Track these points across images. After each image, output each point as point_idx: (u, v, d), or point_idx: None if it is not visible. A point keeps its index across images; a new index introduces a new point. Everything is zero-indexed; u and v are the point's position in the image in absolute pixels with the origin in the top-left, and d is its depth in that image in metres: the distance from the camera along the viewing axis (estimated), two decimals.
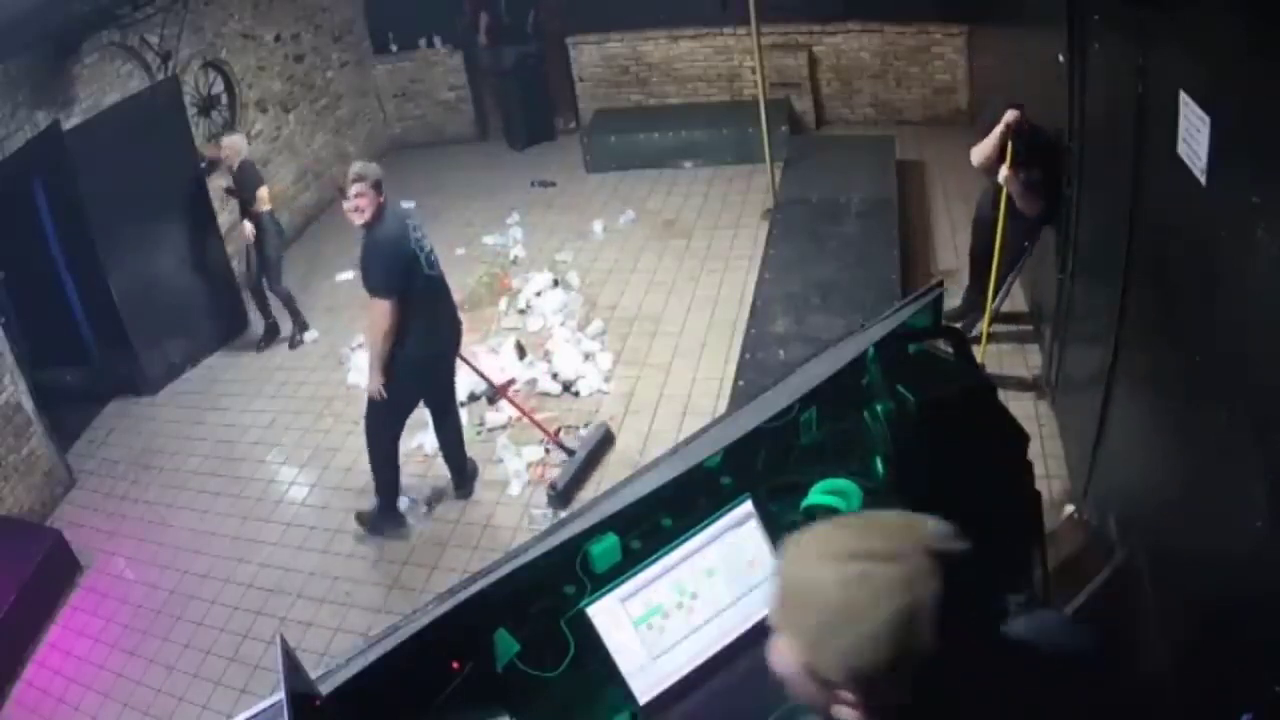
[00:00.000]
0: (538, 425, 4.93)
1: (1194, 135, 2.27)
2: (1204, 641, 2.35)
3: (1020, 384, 4.78)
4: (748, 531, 2.07)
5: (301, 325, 6.43)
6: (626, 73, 9.13)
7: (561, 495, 4.52)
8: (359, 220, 4.08)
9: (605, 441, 4.91)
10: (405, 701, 1.86)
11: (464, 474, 4.75)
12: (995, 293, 4.70)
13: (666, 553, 1.99)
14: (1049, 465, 4.08)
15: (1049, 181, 4.21)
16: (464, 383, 5.49)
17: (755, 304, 5.53)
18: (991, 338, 4.83)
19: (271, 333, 6.41)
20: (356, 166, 4.10)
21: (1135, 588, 2.85)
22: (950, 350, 2.34)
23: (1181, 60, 2.42)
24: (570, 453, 4.77)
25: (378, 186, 4.04)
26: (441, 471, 4.94)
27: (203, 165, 6.57)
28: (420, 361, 4.22)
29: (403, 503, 4.72)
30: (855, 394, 2.38)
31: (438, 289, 4.26)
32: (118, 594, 4.56)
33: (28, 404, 5.21)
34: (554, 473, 4.72)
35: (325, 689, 1.73)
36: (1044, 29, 4.29)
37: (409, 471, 4.96)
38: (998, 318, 4.96)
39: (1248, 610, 2.06)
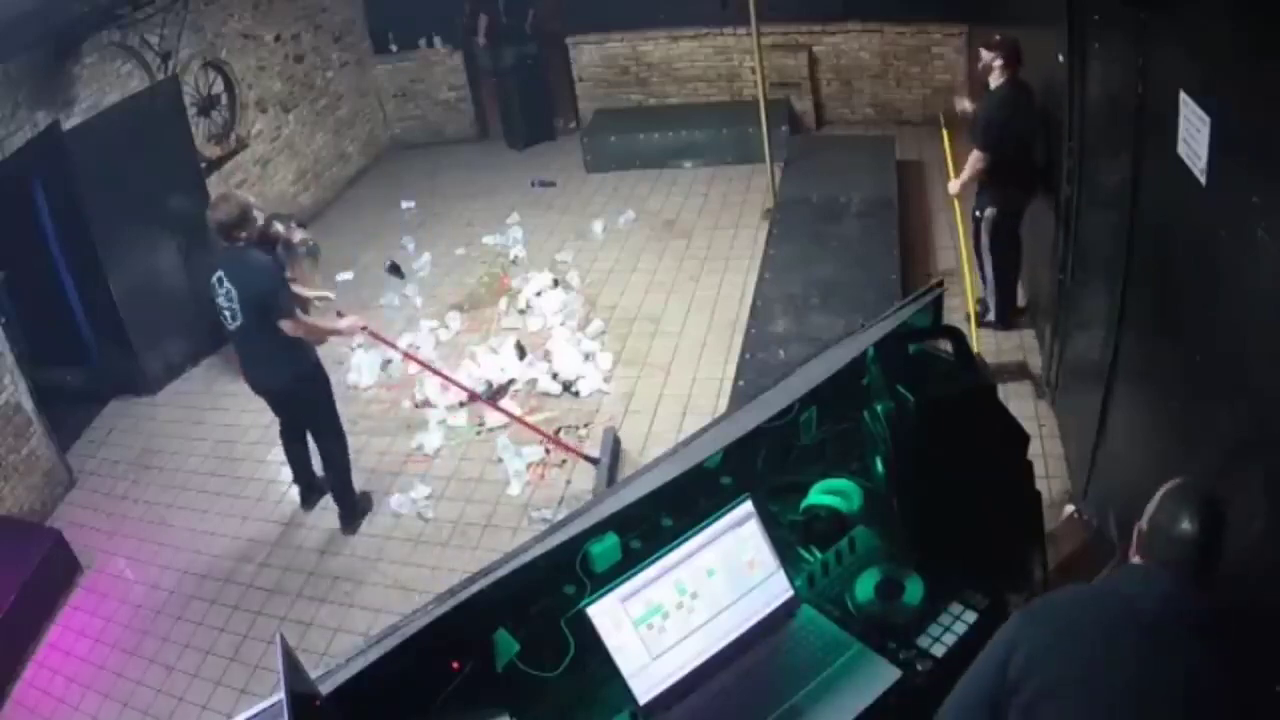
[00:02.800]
0: (534, 428, 4.90)
1: (1194, 135, 2.27)
2: None
3: (1020, 370, 4.83)
4: (748, 531, 2.07)
5: None
6: (626, 73, 9.13)
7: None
8: None
9: (618, 444, 4.89)
10: (405, 701, 1.86)
11: (346, 508, 4.70)
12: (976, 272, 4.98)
13: (666, 553, 1.99)
14: (1049, 465, 4.08)
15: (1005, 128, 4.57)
16: (463, 383, 5.50)
17: (755, 304, 5.53)
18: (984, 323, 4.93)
19: None
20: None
21: None
22: (950, 350, 2.34)
23: (1181, 60, 2.42)
24: (595, 461, 4.73)
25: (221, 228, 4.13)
26: (440, 472, 4.94)
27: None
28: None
29: (397, 501, 4.74)
30: (855, 394, 2.38)
31: (240, 339, 4.35)
32: (118, 594, 4.56)
33: (28, 404, 5.21)
34: (579, 481, 4.69)
35: (325, 689, 1.73)
36: (1044, 29, 4.29)
37: (410, 471, 4.97)
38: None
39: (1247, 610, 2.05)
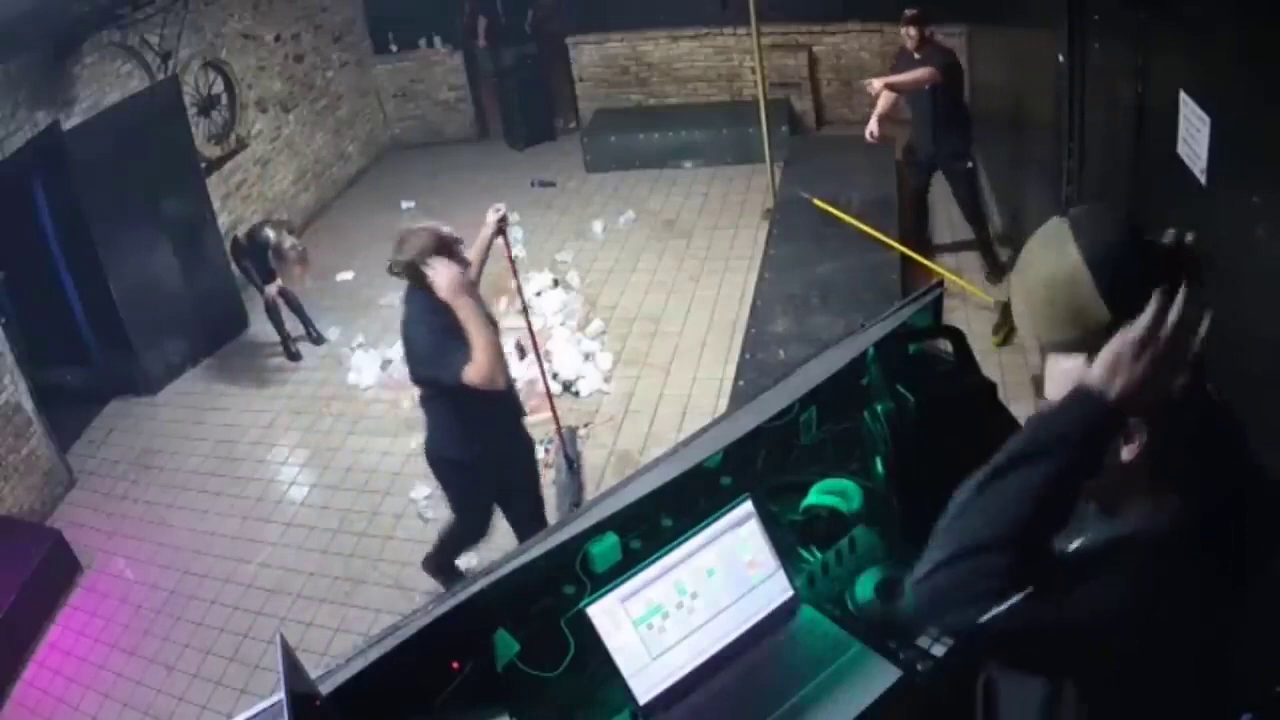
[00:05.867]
0: (555, 416, 4.81)
1: (1194, 135, 2.27)
2: None
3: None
4: (748, 531, 2.07)
5: (317, 339, 6.41)
6: (626, 73, 9.13)
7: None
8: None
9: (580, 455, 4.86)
10: (405, 701, 1.86)
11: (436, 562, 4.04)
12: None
13: (666, 553, 1.99)
14: None
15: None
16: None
17: (755, 304, 5.53)
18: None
19: (297, 357, 6.31)
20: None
21: None
22: (950, 350, 2.34)
23: (1181, 60, 2.42)
24: (571, 462, 4.70)
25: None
26: None
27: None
28: None
29: (397, 501, 4.73)
30: (855, 394, 2.38)
31: None
32: (118, 594, 4.56)
33: (28, 404, 5.21)
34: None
35: (325, 689, 1.73)
36: (1044, 29, 4.30)
37: (410, 472, 4.97)
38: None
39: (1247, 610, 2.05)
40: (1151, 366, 1.09)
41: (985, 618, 1.09)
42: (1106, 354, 1.10)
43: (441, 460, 3.51)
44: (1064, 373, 1.21)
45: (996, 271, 5.76)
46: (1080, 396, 1.11)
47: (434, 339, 3.13)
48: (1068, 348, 1.20)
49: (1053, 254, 1.22)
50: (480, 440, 3.34)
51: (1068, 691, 1.26)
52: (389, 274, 3.25)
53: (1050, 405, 1.16)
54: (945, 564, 1.13)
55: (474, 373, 3.00)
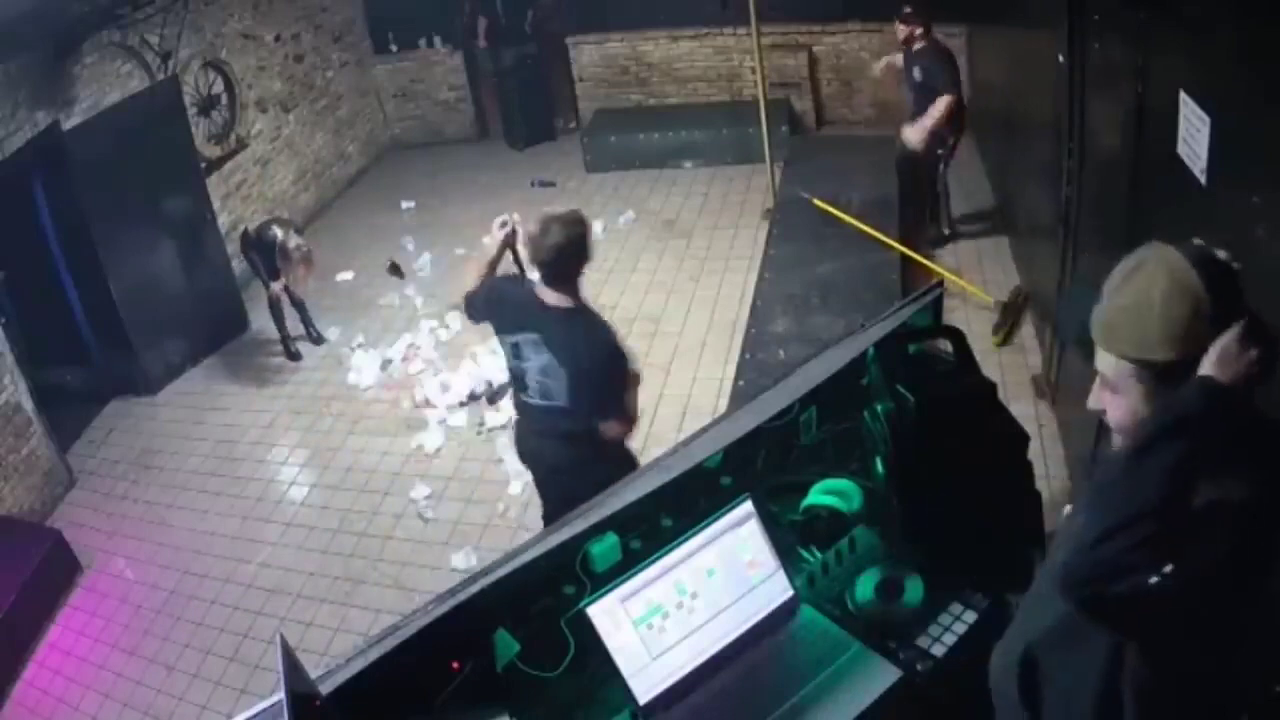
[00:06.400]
0: None
1: (1194, 135, 2.27)
2: None
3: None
4: (748, 531, 2.07)
5: (317, 339, 6.40)
6: (626, 73, 9.13)
7: None
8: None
9: None
10: (405, 701, 1.86)
11: None
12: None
13: (666, 553, 1.99)
14: (1049, 465, 4.08)
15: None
16: (464, 382, 5.50)
17: (755, 304, 5.53)
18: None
19: (297, 357, 6.33)
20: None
21: None
22: (950, 350, 2.34)
23: (1181, 60, 2.42)
24: None
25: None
26: (440, 472, 4.94)
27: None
28: None
29: (397, 501, 4.73)
30: (855, 394, 2.39)
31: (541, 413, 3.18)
32: (118, 594, 4.56)
33: (28, 404, 5.20)
34: None
35: (325, 689, 1.73)
36: (1044, 29, 4.30)
37: (410, 472, 4.97)
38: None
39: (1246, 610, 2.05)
40: (1249, 362, 1.28)
41: (1141, 588, 1.21)
42: (1213, 352, 1.29)
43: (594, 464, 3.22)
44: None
45: (906, 230, 6.08)
46: (1198, 383, 1.29)
47: (610, 370, 2.89)
48: (1172, 366, 1.32)
49: (1161, 264, 1.35)
50: None
51: (1130, 656, 1.35)
52: (534, 262, 2.88)
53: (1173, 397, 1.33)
54: (1104, 537, 1.25)
55: (615, 428, 2.97)
